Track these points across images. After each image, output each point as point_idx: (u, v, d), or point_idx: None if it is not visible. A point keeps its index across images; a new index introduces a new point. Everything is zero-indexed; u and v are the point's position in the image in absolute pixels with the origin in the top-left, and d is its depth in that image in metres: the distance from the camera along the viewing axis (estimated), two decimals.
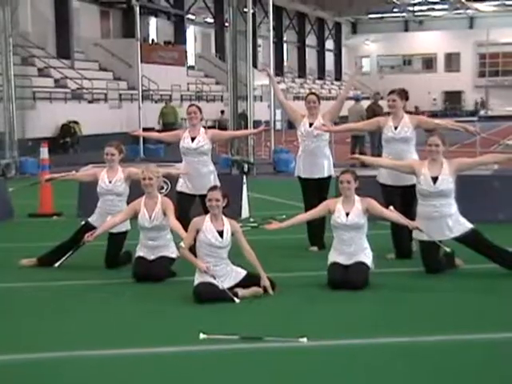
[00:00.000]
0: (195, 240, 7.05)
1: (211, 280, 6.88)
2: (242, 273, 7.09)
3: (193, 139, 8.89)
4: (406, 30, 70.44)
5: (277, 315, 6.54)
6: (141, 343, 5.78)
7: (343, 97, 9.62)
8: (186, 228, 7.33)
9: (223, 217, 7.10)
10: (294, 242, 9.44)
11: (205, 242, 6.96)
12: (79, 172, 9.71)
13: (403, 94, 8.69)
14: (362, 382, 4.98)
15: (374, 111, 18.53)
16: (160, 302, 6.98)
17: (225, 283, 6.92)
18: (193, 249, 7.08)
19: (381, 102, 20.39)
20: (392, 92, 8.72)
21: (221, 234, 6.99)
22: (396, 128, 8.56)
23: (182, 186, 8.96)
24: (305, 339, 5.66)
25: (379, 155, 9.08)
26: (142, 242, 7.92)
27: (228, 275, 7.01)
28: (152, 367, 5.27)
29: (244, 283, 7.02)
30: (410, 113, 8.98)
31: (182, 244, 7.07)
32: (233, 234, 7.06)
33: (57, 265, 8.17)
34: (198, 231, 7.00)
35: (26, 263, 8.52)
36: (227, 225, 7.05)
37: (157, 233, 7.84)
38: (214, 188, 7.29)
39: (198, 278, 6.95)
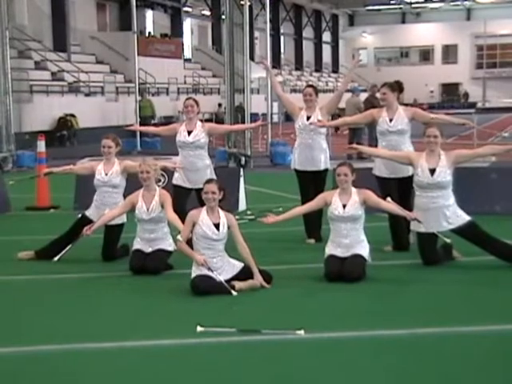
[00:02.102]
0: (192, 233, 7.05)
1: (208, 273, 6.87)
2: (239, 265, 7.08)
3: (189, 133, 8.87)
4: (403, 22, 70.26)
5: (274, 308, 6.54)
6: (138, 336, 5.77)
7: (341, 91, 9.60)
8: (182, 221, 7.33)
9: (219, 210, 7.09)
10: (291, 235, 9.44)
11: (201, 234, 6.95)
12: (76, 165, 9.70)
13: (395, 86, 8.68)
14: (359, 373, 4.97)
15: (371, 103, 18.48)
16: (157, 294, 6.98)
17: (222, 276, 6.91)
18: (189, 242, 7.07)
19: (378, 95, 20.34)
20: (383, 85, 8.74)
21: (217, 226, 6.98)
22: (391, 120, 8.55)
23: (178, 179, 8.95)
24: (302, 331, 5.66)
25: (377, 147, 9.06)
26: (139, 235, 7.92)
27: (225, 268, 7.00)
28: (149, 360, 5.26)
29: (241, 276, 7.01)
30: (406, 105, 8.96)
31: (179, 237, 7.07)
32: (229, 228, 7.05)
33: (56, 259, 8.17)
34: (194, 224, 7.00)
35: (23, 256, 8.51)
36: (223, 218, 7.04)
37: (154, 225, 7.84)
38: (210, 181, 7.28)
39: (194, 271, 6.95)
